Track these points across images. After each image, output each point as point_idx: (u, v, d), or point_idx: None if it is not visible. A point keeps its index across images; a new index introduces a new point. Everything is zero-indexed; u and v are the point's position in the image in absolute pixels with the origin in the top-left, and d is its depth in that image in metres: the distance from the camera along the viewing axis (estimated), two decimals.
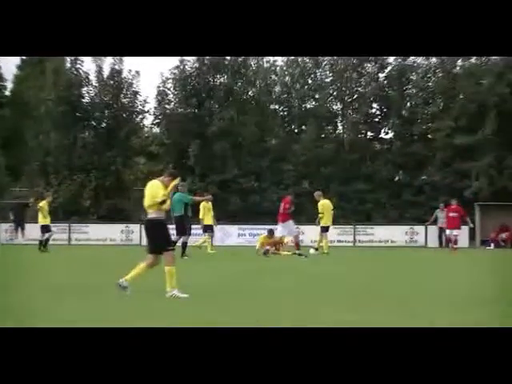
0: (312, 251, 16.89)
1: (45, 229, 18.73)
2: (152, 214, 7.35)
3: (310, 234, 21.64)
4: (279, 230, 16.73)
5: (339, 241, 23.67)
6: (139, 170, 29.60)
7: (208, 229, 18.53)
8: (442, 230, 22.69)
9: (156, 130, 30.45)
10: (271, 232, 18.11)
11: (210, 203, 18.19)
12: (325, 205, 17.99)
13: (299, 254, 15.96)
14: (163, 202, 7.25)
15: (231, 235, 24.03)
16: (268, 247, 17.40)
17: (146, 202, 7.37)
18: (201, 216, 18.32)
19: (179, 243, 14.57)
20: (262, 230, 20.81)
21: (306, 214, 24.02)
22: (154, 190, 7.31)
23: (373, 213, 27.59)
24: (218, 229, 20.99)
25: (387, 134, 29.53)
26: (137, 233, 24.44)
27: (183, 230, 14.91)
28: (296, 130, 30.06)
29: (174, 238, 14.70)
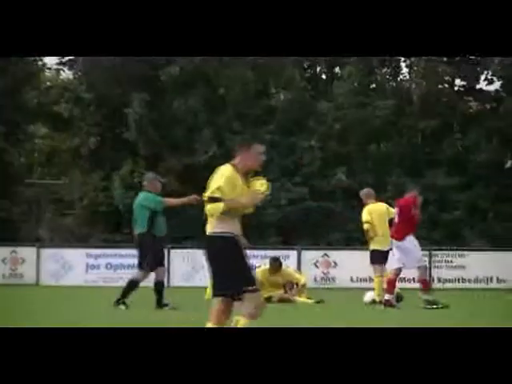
0: (368, 297, 17.83)
1: None
2: (213, 225, 7.52)
3: (347, 263, 23.02)
4: (396, 256, 16.97)
5: (404, 279, 23.10)
6: (37, 146, 30.60)
7: None
8: None
9: (68, 74, 32.09)
10: (276, 262, 18.70)
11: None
12: (375, 213, 18.03)
13: (431, 303, 16.32)
14: (215, 200, 7.40)
15: (204, 268, 23.73)
16: (272, 294, 17.79)
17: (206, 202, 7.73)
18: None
19: (149, 281, 15.63)
20: (261, 260, 22.14)
21: (340, 229, 25.86)
22: (215, 177, 7.56)
23: (465, 228, 28.63)
24: (182, 259, 23.84)
25: (490, 83, 30.39)
26: (31, 264, 24.90)
27: (143, 259, 15.68)
28: (324, 76, 31.39)
29: (137, 272, 15.86)
